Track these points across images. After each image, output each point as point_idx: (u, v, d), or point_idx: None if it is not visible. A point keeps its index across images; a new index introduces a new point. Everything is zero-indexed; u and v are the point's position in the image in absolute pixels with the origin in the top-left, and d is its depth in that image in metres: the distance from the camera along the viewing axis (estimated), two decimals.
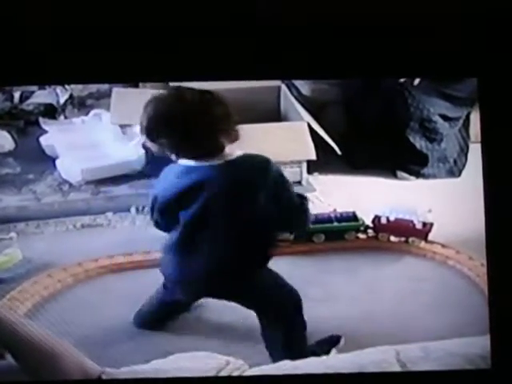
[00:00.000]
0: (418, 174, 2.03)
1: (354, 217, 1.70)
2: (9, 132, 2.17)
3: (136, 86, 2.21)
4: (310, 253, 1.66)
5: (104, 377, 1.02)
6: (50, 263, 1.59)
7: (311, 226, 1.68)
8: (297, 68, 1.19)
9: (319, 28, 1.15)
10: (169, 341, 1.34)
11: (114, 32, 1.14)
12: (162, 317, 1.38)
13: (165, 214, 1.24)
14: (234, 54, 1.16)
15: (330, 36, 1.15)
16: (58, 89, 2.30)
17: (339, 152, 2.00)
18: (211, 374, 1.03)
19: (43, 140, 2.12)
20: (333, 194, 1.91)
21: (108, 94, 2.15)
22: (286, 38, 1.16)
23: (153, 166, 2.06)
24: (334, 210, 1.72)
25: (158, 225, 1.28)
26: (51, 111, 2.27)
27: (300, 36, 1.16)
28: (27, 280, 1.51)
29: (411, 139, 2.02)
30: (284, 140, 1.94)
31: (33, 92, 2.31)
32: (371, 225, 1.70)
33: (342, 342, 1.32)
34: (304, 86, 2.12)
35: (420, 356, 1.05)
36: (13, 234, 1.67)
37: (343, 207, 1.74)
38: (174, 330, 1.37)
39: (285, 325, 1.26)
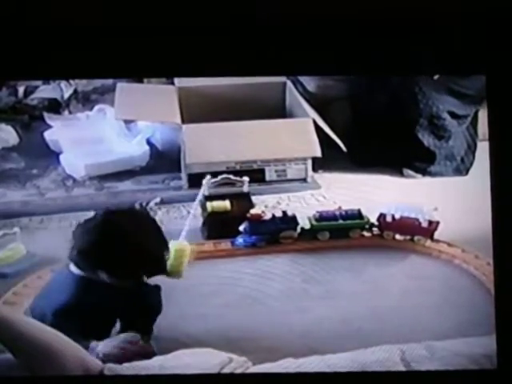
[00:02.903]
0: (424, 172, 2.01)
1: (359, 214, 1.69)
2: (13, 127, 2.17)
3: (140, 81, 2.21)
4: (314, 250, 1.65)
5: (106, 372, 1.02)
6: (53, 258, 1.58)
7: (316, 224, 1.68)
8: (302, 64, 1.19)
9: (328, 23, 1.14)
10: (171, 337, 1.33)
11: (118, 27, 1.14)
12: None
13: None
14: (239, 50, 1.15)
15: (338, 32, 1.14)
16: (63, 83, 2.29)
17: (345, 149, 1.99)
18: (214, 370, 1.03)
19: (47, 135, 2.11)
20: (338, 192, 1.90)
21: (112, 89, 2.14)
22: (291, 33, 1.15)
23: (157, 161, 2.07)
24: (339, 208, 1.71)
25: None
26: (55, 106, 2.27)
27: (305, 32, 1.15)
28: (31, 275, 1.51)
29: (419, 136, 2.00)
30: (289, 137, 1.94)
31: (37, 87, 2.31)
32: (376, 223, 1.68)
33: None
34: (309, 82, 2.11)
35: (424, 355, 1.05)
36: (16, 229, 1.66)
37: (348, 205, 1.73)
38: (176, 327, 1.36)
39: None
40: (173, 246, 1.34)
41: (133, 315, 1.22)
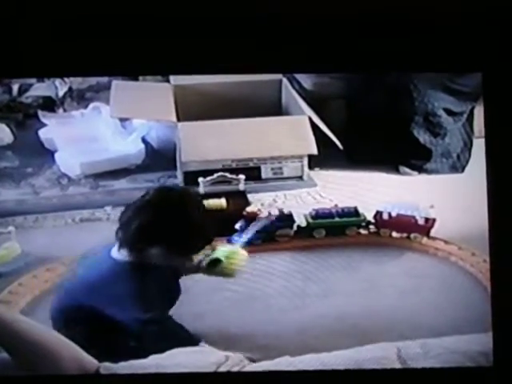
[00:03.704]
0: (420, 169, 2.01)
1: (355, 212, 1.69)
2: (7, 125, 2.15)
3: (136, 79, 2.20)
4: (311, 248, 1.65)
5: (102, 371, 1.01)
6: (48, 257, 1.58)
7: (312, 221, 1.67)
8: (298, 61, 1.18)
9: (326, 21, 1.14)
10: None
11: (114, 25, 1.13)
12: None
13: None
14: (235, 47, 1.15)
15: (335, 30, 1.14)
16: (57, 81, 2.28)
17: (341, 147, 1.98)
18: (211, 369, 1.02)
19: (42, 133, 2.10)
20: (334, 189, 1.90)
21: (107, 87, 2.13)
22: (287, 30, 1.15)
23: (152, 160, 2.06)
24: (336, 206, 1.71)
25: None
26: (50, 104, 2.26)
27: (301, 29, 1.15)
28: (26, 274, 1.50)
29: (415, 133, 2.00)
30: (285, 134, 1.93)
31: (31, 85, 2.30)
32: (373, 220, 1.68)
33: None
34: (306, 80, 2.10)
35: (421, 353, 1.04)
36: (11, 228, 1.65)
37: (345, 202, 1.72)
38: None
39: None
40: (227, 250, 1.38)
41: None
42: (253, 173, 1.90)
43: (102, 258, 1.25)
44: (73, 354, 1.00)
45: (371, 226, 1.68)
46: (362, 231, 1.68)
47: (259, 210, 1.67)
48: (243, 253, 1.40)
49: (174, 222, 1.20)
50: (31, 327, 0.99)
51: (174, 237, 1.21)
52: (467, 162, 2.04)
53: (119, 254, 1.23)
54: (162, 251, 1.21)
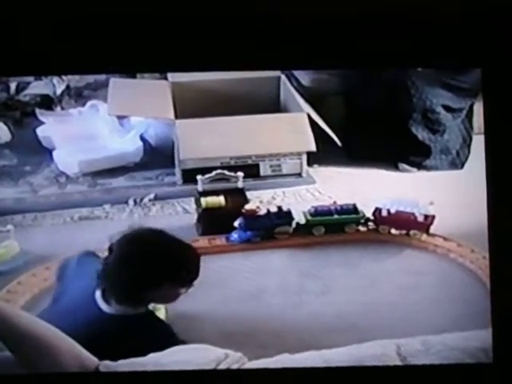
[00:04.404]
0: (419, 166, 2.01)
1: (354, 209, 1.68)
2: (5, 123, 2.15)
3: (134, 76, 2.19)
4: (310, 245, 1.65)
5: (101, 369, 1.01)
6: (47, 256, 1.58)
7: (311, 219, 1.67)
8: (297, 58, 1.18)
9: (325, 20, 1.13)
10: None
11: (112, 22, 1.13)
12: None
13: None
14: (233, 44, 1.14)
15: (335, 28, 1.14)
16: (55, 79, 2.28)
17: (340, 143, 1.98)
18: (210, 366, 1.02)
19: (40, 131, 2.10)
20: (333, 186, 1.90)
21: (105, 85, 2.13)
22: (287, 30, 1.14)
23: (150, 157, 2.06)
24: (334, 203, 1.71)
25: None
26: (48, 102, 2.26)
27: (301, 29, 1.14)
28: (25, 273, 1.50)
29: (413, 130, 2.00)
30: (284, 131, 1.93)
31: (29, 83, 2.29)
32: (372, 217, 1.68)
33: None
34: (304, 77, 2.10)
35: (421, 350, 1.04)
36: (10, 227, 1.65)
37: (343, 199, 1.72)
38: (172, 323, 1.35)
39: None
40: None
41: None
42: (251, 170, 1.90)
43: (87, 308, 1.17)
44: (73, 350, 1.00)
45: (370, 223, 1.68)
46: (361, 228, 1.68)
47: (258, 207, 1.67)
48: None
49: (161, 257, 1.16)
50: (32, 322, 0.99)
51: (172, 269, 1.18)
52: (466, 158, 2.04)
53: (111, 307, 1.16)
54: (166, 290, 1.18)
